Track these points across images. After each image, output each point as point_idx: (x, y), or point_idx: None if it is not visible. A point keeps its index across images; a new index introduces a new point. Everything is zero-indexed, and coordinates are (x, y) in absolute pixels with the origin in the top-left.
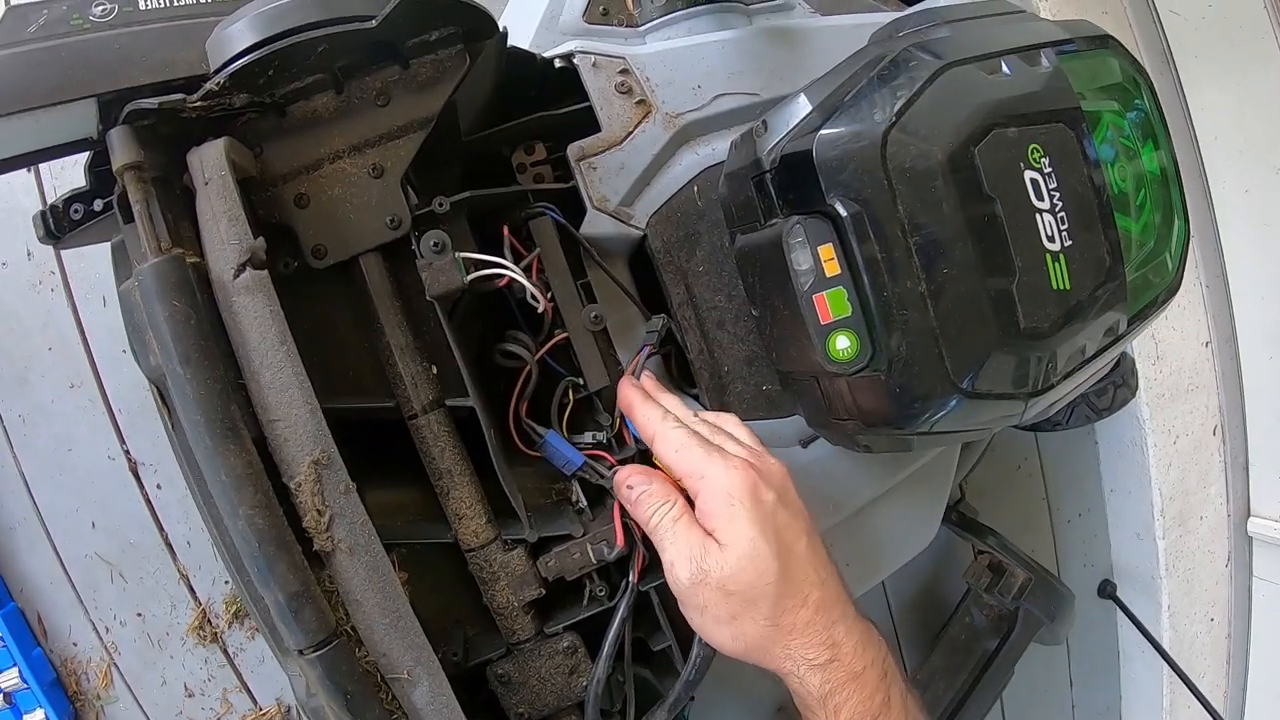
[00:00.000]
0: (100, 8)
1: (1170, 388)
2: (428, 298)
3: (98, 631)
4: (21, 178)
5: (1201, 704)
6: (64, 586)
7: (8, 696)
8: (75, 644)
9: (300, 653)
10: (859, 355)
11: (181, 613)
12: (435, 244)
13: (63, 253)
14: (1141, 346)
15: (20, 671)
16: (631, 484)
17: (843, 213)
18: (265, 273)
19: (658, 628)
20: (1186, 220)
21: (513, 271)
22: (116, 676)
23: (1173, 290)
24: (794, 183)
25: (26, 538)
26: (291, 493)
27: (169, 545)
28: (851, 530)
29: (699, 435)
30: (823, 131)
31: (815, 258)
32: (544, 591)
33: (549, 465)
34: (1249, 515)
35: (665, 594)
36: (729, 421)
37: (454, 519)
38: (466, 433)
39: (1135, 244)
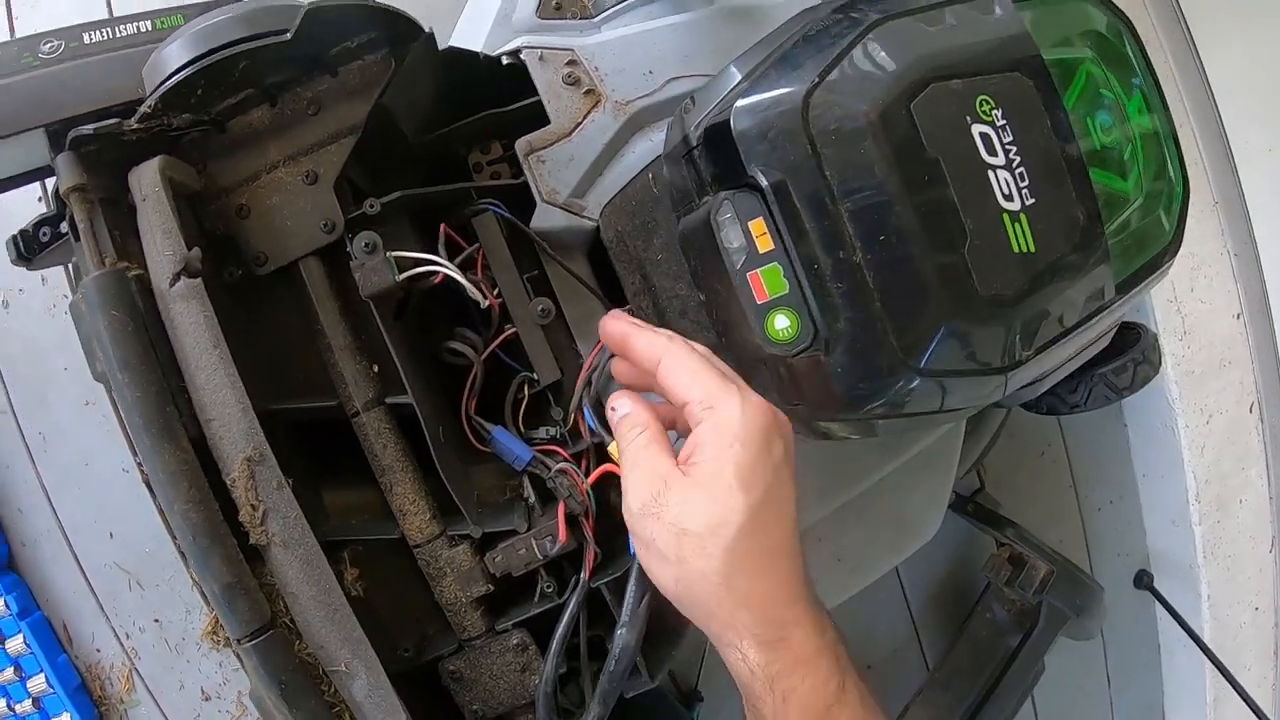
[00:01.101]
0: (48, 45)
1: (1201, 364)
2: (362, 298)
3: (119, 638)
4: (32, 207)
5: (1243, 699)
6: (86, 595)
7: (36, 701)
8: (98, 650)
9: (238, 642)
10: (800, 335)
11: (196, 618)
12: (366, 244)
13: (74, 278)
14: (1166, 321)
15: (47, 677)
16: (615, 405)
17: (763, 183)
18: (199, 281)
19: (615, 626)
20: (1184, 176)
21: (445, 267)
22: (137, 681)
23: (1172, 250)
24: (717, 157)
25: (50, 549)
26: (229, 489)
27: (182, 553)
28: (844, 521)
29: (713, 363)
30: (740, 100)
31: (746, 234)
32: (492, 588)
33: (506, 464)
34: None
35: (617, 592)
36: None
37: (399, 515)
38: (414, 431)
39: (1123, 202)
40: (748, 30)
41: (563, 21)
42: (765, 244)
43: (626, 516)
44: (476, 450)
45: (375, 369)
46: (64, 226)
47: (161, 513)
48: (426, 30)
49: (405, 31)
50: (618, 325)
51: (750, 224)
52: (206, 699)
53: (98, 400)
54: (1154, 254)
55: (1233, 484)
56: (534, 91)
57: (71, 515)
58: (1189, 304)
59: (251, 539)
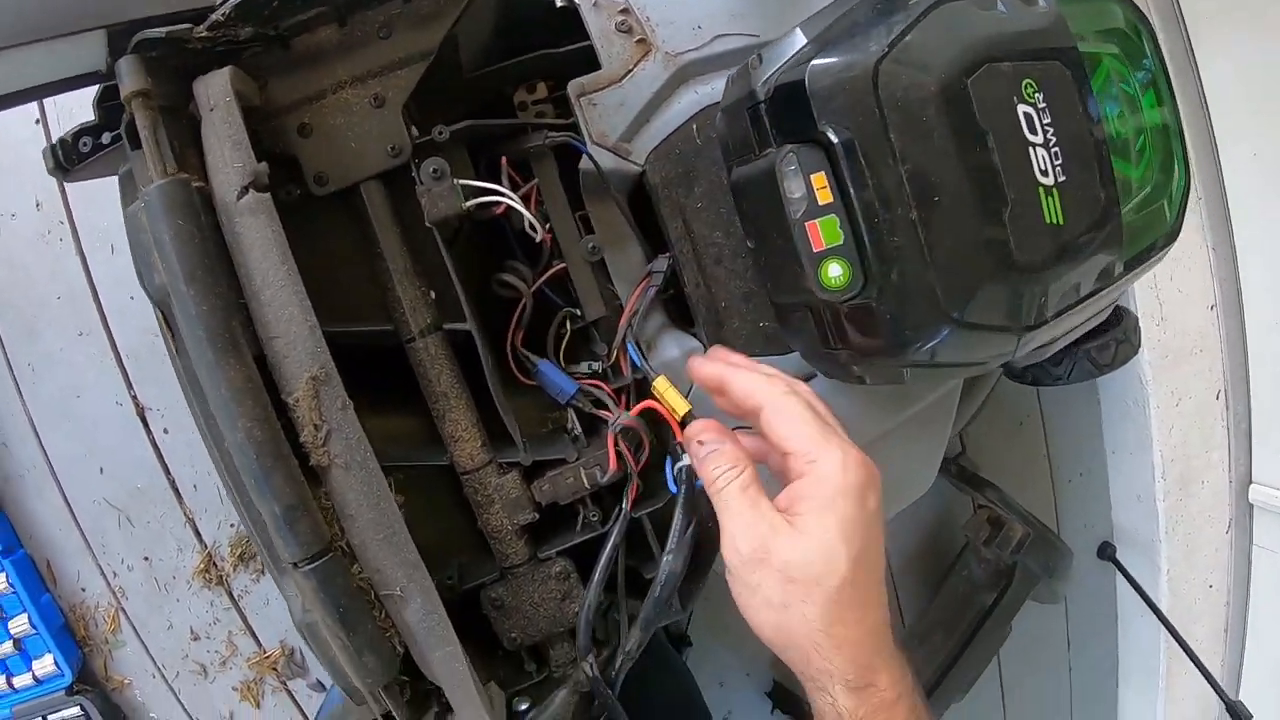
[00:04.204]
0: None
1: (1174, 349)
2: (427, 223)
3: (105, 576)
4: (29, 129)
5: (1197, 667)
6: (72, 532)
7: (18, 642)
8: (83, 589)
9: (295, 565)
10: (851, 283)
11: (187, 556)
12: (435, 170)
13: (71, 203)
14: (1145, 306)
15: (30, 617)
16: (704, 439)
17: (834, 140)
18: (267, 195)
19: (650, 558)
20: (1187, 169)
21: (510, 199)
22: (124, 621)
23: (1171, 237)
24: (787, 112)
25: (35, 484)
26: (290, 408)
27: (175, 489)
28: None
29: (814, 410)
30: (815, 61)
31: (808, 185)
32: (537, 516)
33: (548, 396)
34: (1250, 482)
35: (657, 522)
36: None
37: (450, 441)
38: (465, 359)
39: (1133, 188)
40: None
41: None
42: (825, 196)
43: (732, 559)
44: (517, 382)
45: (432, 295)
46: (106, 137)
47: (216, 441)
48: None
49: None
50: (712, 368)
51: (812, 177)
52: (195, 639)
53: (91, 331)
54: (1157, 238)
55: (1195, 465)
56: (583, 35)
57: (59, 449)
58: (1168, 291)
59: (312, 460)
